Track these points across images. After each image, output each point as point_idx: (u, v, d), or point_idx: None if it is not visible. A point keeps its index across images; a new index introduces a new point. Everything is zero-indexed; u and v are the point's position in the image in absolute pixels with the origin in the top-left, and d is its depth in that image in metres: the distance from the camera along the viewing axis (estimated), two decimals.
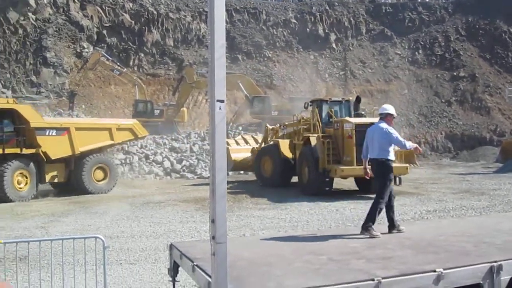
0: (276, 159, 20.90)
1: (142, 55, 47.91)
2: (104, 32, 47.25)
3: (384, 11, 57.24)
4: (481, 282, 4.91)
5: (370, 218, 7.59)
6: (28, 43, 42.69)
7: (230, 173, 24.84)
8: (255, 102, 39.05)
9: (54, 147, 19.60)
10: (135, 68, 46.87)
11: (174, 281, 6.68)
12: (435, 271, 4.80)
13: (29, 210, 16.17)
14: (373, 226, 7.48)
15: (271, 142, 22.37)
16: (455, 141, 47.19)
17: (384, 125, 7.99)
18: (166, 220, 13.66)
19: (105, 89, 44.22)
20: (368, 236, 7.33)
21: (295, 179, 20.96)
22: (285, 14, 54.81)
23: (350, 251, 6.13)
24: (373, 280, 4.60)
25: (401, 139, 8.00)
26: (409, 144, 8.19)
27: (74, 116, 34.71)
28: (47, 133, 19.52)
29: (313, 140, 18.30)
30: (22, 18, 43.53)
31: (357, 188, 20.01)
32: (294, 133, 21.11)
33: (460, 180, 24.10)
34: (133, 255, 9.53)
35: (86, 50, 45.32)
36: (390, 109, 8.28)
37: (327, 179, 18.23)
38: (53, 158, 19.65)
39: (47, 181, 20.03)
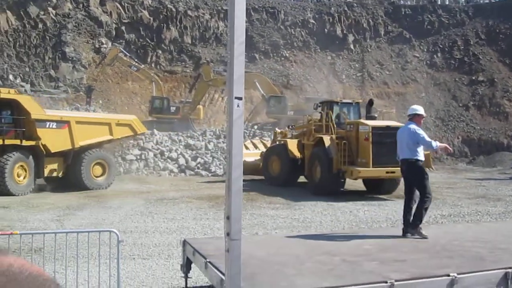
0: (283, 158, 21.07)
1: (160, 52, 48.09)
2: (123, 28, 47.53)
3: (403, 13, 56.83)
4: None
5: (418, 218, 7.69)
6: (47, 37, 43.12)
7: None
8: (271, 101, 39.00)
9: (54, 140, 19.29)
10: (153, 65, 47.06)
11: (186, 277, 6.72)
12: (449, 275, 4.77)
13: (44, 202, 16.33)
14: (420, 226, 7.61)
15: (281, 142, 22.47)
16: (472, 146, 46.71)
17: (412, 125, 8.04)
18: (180, 216, 13.72)
19: (122, 85, 44.48)
20: (417, 237, 7.42)
21: (302, 179, 20.99)
22: (303, 14, 54.67)
23: (364, 253, 6.11)
24: (386, 282, 4.59)
25: (428, 139, 8.02)
26: (436, 144, 8.22)
27: (91, 111, 34.96)
28: (47, 126, 19.20)
29: (327, 141, 18.33)
30: (42, 12, 43.98)
31: (365, 189, 20.19)
32: (303, 134, 21.21)
33: (476, 186, 23.88)
34: (146, 250, 9.58)
35: (105, 45, 45.62)
36: (419, 109, 8.30)
37: (342, 180, 18.69)
38: (52, 151, 19.32)
39: (45, 174, 19.70)
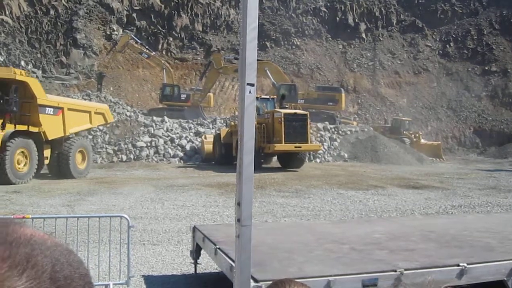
0: (218, 143, 26.22)
1: (171, 39, 48.09)
2: (134, 15, 47.53)
3: (416, 2, 56.34)
4: (505, 279, 4.85)
5: None
6: (59, 24, 43.23)
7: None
8: (281, 89, 38.90)
9: (51, 126, 18.71)
10: (164, 52, 47.10)
11: (196, 263, 6.76)
12: (458, 265, 4.75)
13: (56, 188, 16.46)
14: None
15: (218, 132, 28.08)
16: (484, 137, 46.46)
17: None
18: (190, 203, 13.78)
19: (133, 72, 44.59)
20: None
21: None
22: (315, 2, 54.35)
23: (373, 242, 6.10)
24: (395, 271, 4.59)
25: None
26: None
27: (102, 98, 35.08)
28: (46, 112, 18.61)
29: None
30: None
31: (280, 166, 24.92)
32: (233, 125, 25.62)
33: (487, 177, 23.73)
34: (156, 236, 9.63)
35: (116, 32, 45.68)
36: None
37: (262, 154, 23.09)
38: (49, 139, 18.76)
39: (45, 163, 19.18)
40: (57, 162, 19.66)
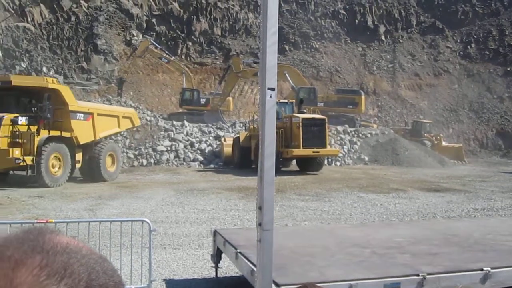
0: (237, 147, 26.58)
1: (190, 43, 48.33)
2: (154, 20, 47.90)
3: (436, 3, 55.80)
4: None
5: None
6: (80, 30, 43.74)
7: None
8: (301, 93, 38.81)
9: (82, 131, 19.78)
10: (183, 57, 47.34)
11: (217, 267, 6.77)
12: (482, 269, 4.69)
13: (78, 192, 16.64)
14: None
15: (237, 135, 28.34)
16: (506, 139, 45.78)
17: None
18: (210, 207, 13.81)
19: (153, 76, 44.89)
20: None
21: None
22: (334, 4, 54.19)
23: (395, 246, 6.05)
24: (418, 275, 4.54)
25: None
26: None
27: (123, 103, 35.42)
28: (77, 117, 19.68)
29: None
30: (74, 5, 44.63)
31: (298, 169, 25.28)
32: (252, 129, 26.23)
33: (510, 179, 23.39)
34: (177, 240, 9.68)
35: (136, 38, 46.06)
36: None
37: (280, 159, 22.94)
38: (81, 143, 19.81)
39: (77, 166, 20.18)
40: (88, 166, 20.70)
